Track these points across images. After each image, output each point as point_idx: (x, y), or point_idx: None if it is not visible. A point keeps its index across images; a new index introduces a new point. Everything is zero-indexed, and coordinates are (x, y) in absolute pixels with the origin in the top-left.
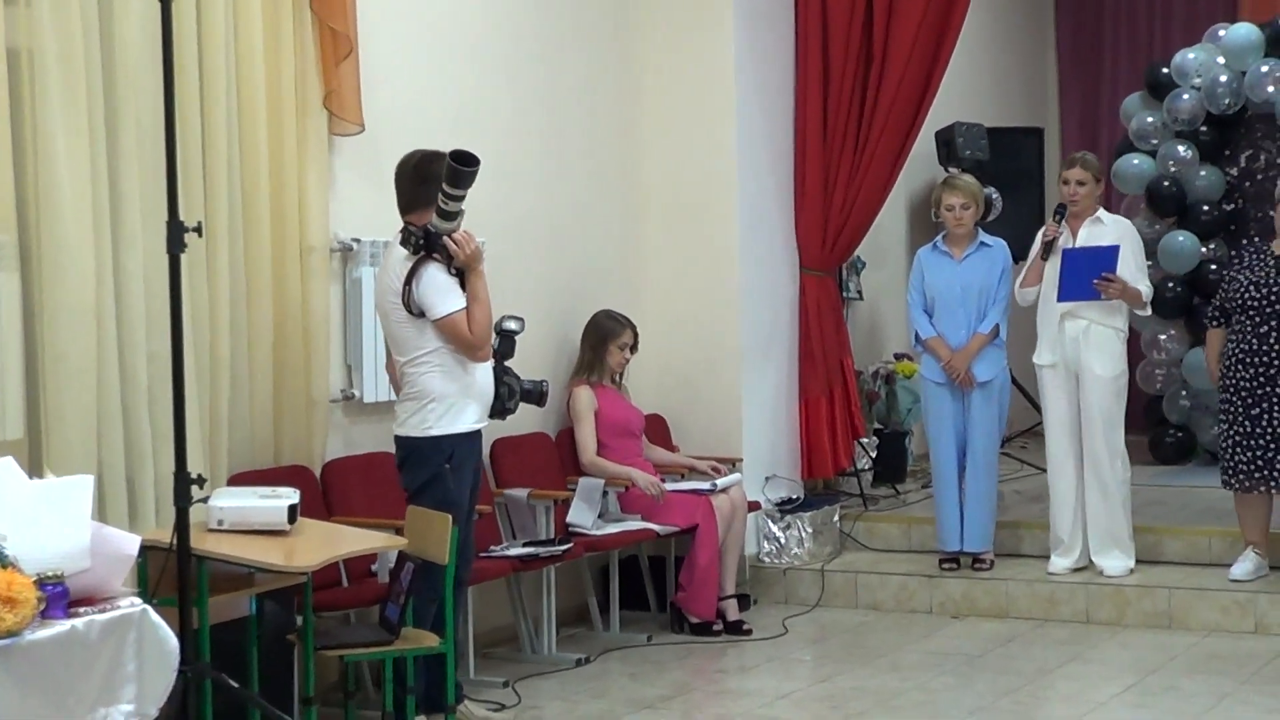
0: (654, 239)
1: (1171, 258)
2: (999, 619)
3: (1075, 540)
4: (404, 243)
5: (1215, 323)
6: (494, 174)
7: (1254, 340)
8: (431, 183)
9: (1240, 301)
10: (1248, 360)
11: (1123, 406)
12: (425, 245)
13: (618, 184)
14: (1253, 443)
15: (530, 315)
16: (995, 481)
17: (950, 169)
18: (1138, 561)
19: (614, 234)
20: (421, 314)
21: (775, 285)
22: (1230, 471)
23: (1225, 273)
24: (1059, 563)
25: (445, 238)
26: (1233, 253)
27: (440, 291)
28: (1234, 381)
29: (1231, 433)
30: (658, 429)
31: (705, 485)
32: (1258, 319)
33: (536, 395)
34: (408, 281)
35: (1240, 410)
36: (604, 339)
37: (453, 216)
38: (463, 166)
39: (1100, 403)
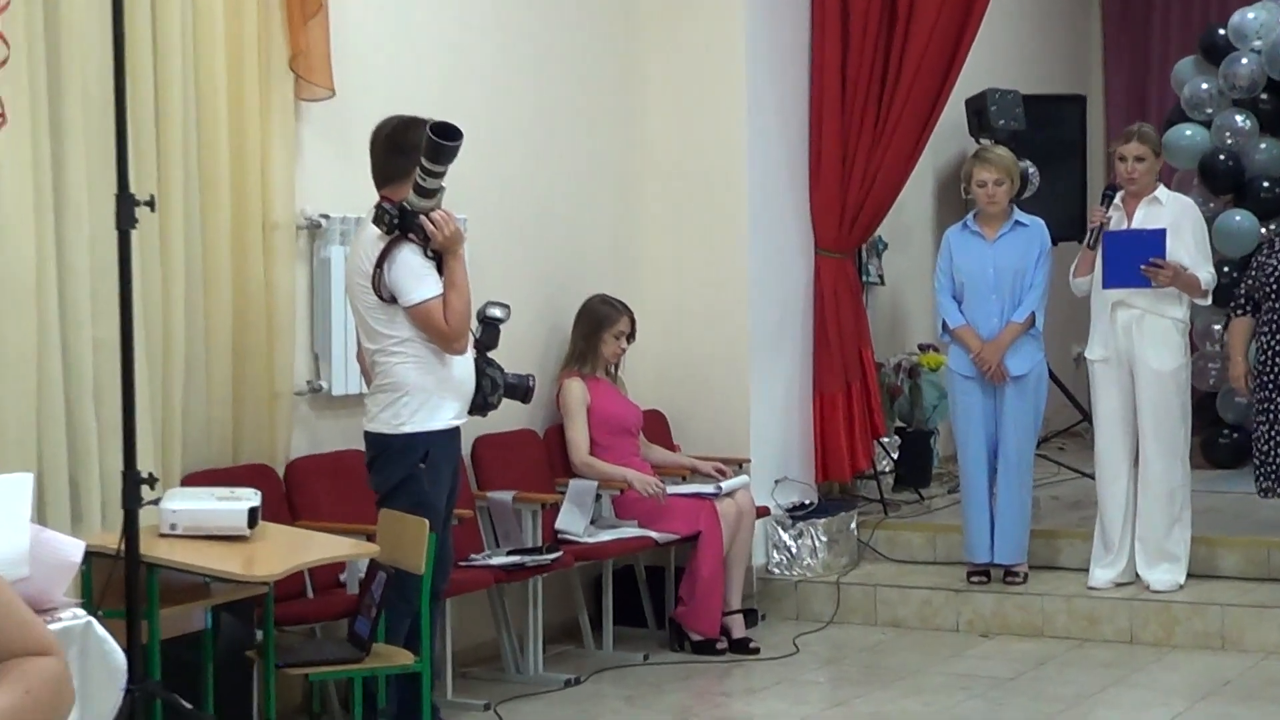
0: (654, 217)
1: (1227, 239)
2: (1033, 638)
3: (1123, 551)
4: (377, 220)
5: (1241, 311)
6: (477, 144)
7: None
8: (409, 153)
9: (1275, 289)
10: None
11: (1184, 404)
12: (400, 224)
13: (615, 156)
14: None
15: (516, 301)
16: (1030, 486)
17: (982, 140)
18: (1188, 576)
19: (610, 211)
20: (393, 299)
21: (787, 268)
22: (1272, 478)
23: (1255, 258)
24: (1101, 576)
25: (422, 216)
26: (1265, 235)
27: (414, 276)
28: (1270, 376)
29: (1270, 433)
30: (657, 426)
31: (709, 489)
32: None
33: (521, 391)
34: (379, 264)
35: (1278, 406)
36: (598, 326)
37: (431, 194)
38: (443, 140)
39: (1156, 400)
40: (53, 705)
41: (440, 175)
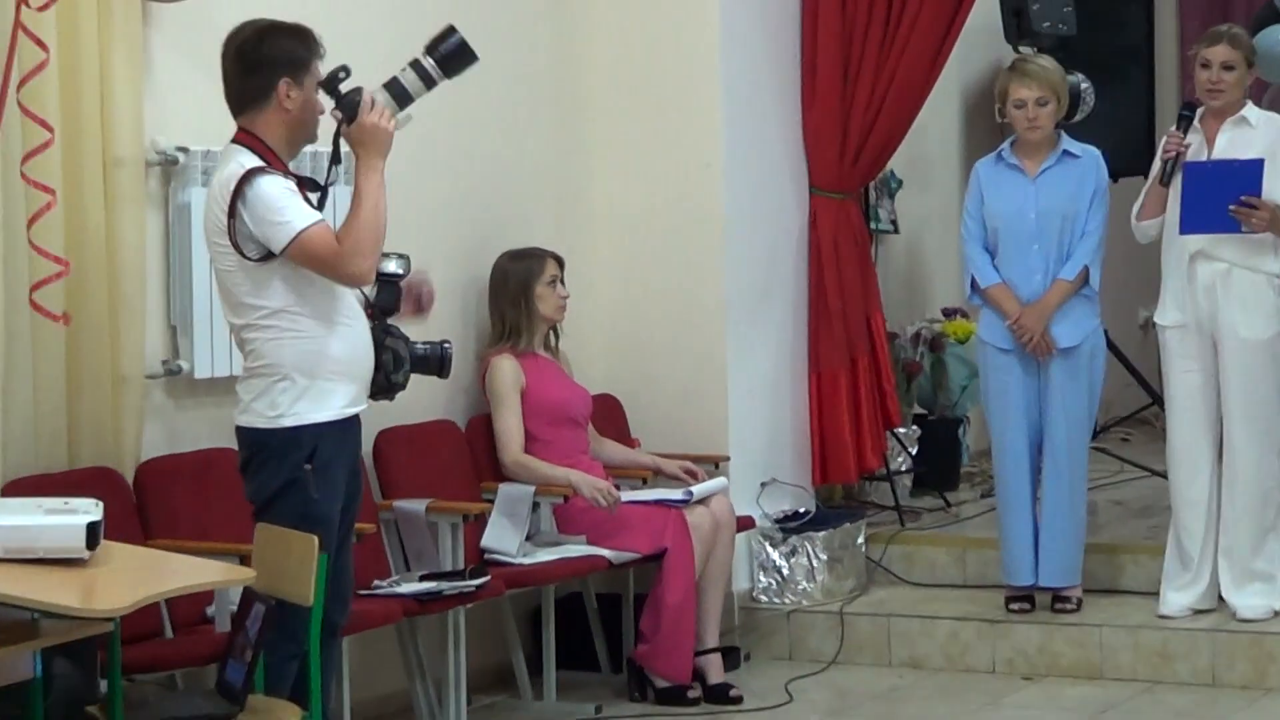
0: (603, 150)
1: None
2: (1090, 681)
3: (1203, 570)
4: (328, 83)
5: None
6: (380, 63)
7: None
8: (267, 69)
9: None
10: None
11: None
12: (337, 92)
13: (553, 74)
14: None
15: (431, 256)
16: (1084, 489)
17: (1021, 48)
18: None
19: (547, 144)
20: (261, 255)
21: (775, 213)
22: None
23: None
24: (1177, 600)
25: (366, 92)
26: None
27: (276, 208)
28: None
29: None
30: (610, 416)
31: (677, 495)
32: None
33: (435, 362)
34: (231, 211)
35: None
36: (524, 285)
37: (404, 101)
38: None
39: (1246, 377)
40: None
41: (416, 95)
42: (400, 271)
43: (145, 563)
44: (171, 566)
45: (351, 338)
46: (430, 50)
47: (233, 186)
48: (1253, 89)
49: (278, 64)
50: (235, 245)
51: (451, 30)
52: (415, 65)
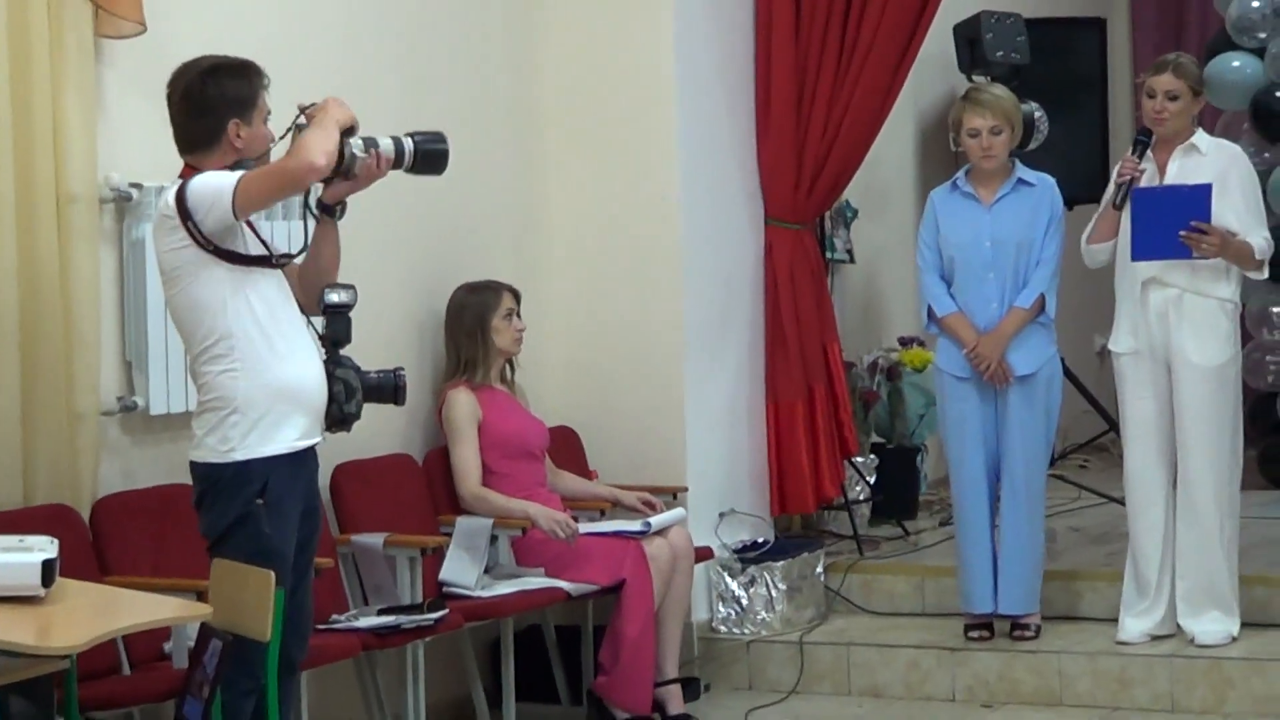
0: (560, 183)
1: None
2: (1050, 708)
3: (1161, 595)
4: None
5: None
6: (328, 89)
7: None
8: (212, 112)
9: None
10: None
11: (1235, 408)
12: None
13: (507, 102)
14: None
15: (382, 288)
16: (1042, 516)
17: (975, 77)
18: (1243, 625)
19: (504, 177)
20: (224, 234)
21: (731, 244)
22: None
23: None
24: (1135, 627)
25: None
26: None
27: (216, 181)
28: None
29: None
30: (567, 448)
31: (635, 526)
32: None
33: (390, 390)
34: (184, 215)
35: None
36: (480, 317)
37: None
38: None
39: (1199, 403)
40: None
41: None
42: (347, 300)
43: (101, 599)
44: (128, 603)
45: (301, 369)
46: (415, 138)
47: (173, 197)
48: (1206, 114)
49: (227, 105)
50: (198, 240)
51: (442, 138)
52: (395, 140)
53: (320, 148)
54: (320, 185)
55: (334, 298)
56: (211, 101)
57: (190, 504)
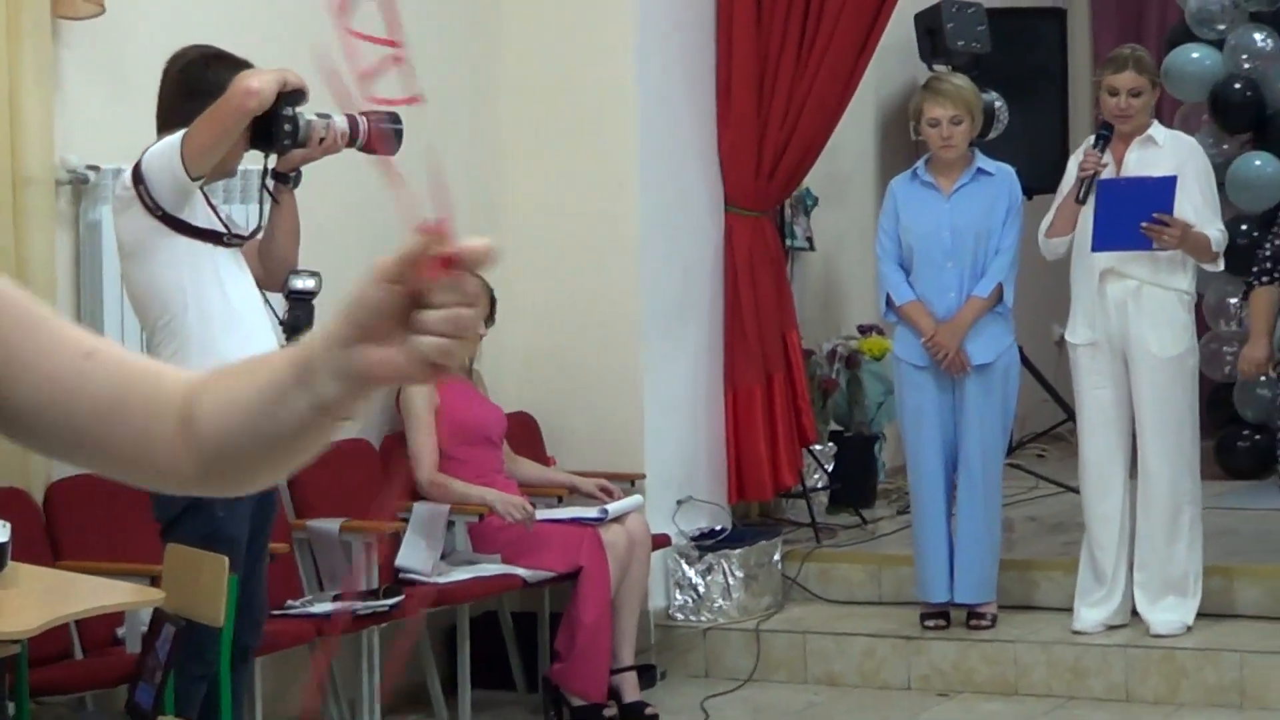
0: (517, 165)
1: (1244, 189)
2: (1005, 697)
3: (1117, 585)
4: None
5: (1266, 279)
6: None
7: None
8: (203, 96)
9: None
10: None
11: (1192, 398)
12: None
13: (468, 93)
14: None
15: (338, 272)
16: (999, 505)
17: (936, 67)
18: (1199, 615)
19: (462, 163)
20: (178, 197)
21: (690, 231)
22: None
23: None
24: (1090, 616)
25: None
26: None
27: (164, 145)
28: None
29: None
30: (525, 434)
31: (592, 513)
32: None
33: None
34: (137, 179)
35: None
36: None
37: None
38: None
39: (1157, 393)
40: None
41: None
42: (313, 288)
43: (54, 584)
44: (81, 587)
45: (254, 352)
46: (370, 117)
47: (129, 174)
48: (1165, 106)
49: (217, 91)
50: (149, 206)
51: (397, 118)
52: (349, 116)
53: (254, 78)
54: (275, 156)
55: (299, 284)
56: (208, 86)
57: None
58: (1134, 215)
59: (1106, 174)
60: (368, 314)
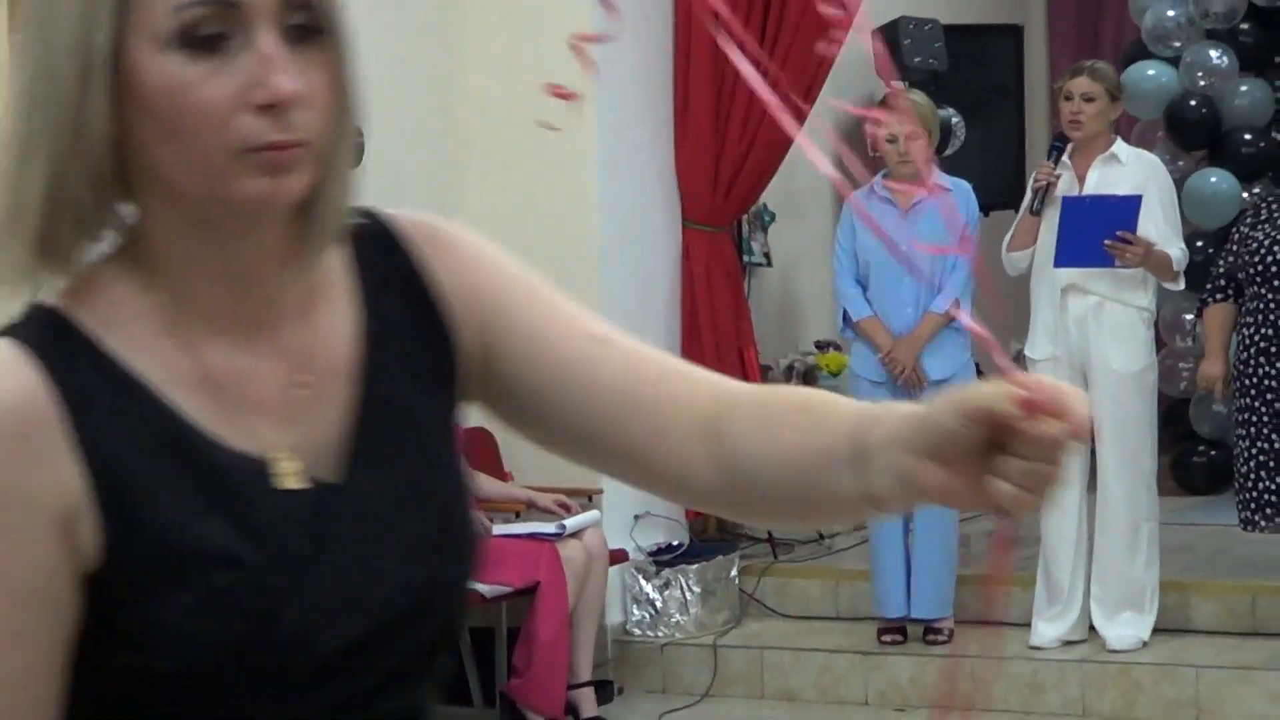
0: (477, 183)
1: (1201, 206)
2: (962, 712)
3: (1073, 601)
4: None
5: (1220, 296)
6: None
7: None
8: None
9: (1261, 269)
10: (1272, 350)
11: (1151, 414)
12: None
13: (427, 106)
14: None
15: None
16: (955, 521)
17: (893, 83)
18: (1155, 631)
19: (420, 177)
20: None
21: (648, 247)
22: (1253, 506)
23: (1235, 230)
24: (1047, 632)
25: None
26: (1248, 201)
27: None
28: (1254, 380)
29: (1253, 451)
30: (481, 449)
31: (549, 528)
32: None
33: None
34: None
35: (1265, 419)
36: None
37: None
38: None
39: (1116, 409)
40: None
41: None
42: None
43: None
44: None
45: None
46: None
47: None
48: (1122, 123)
49: None
50: None
51: (358, 131)
52: None
53: None
54: None
55: None
56: None
57: None
58: (1097, 233)
59: (1068, 189)
60: (946, 443)
